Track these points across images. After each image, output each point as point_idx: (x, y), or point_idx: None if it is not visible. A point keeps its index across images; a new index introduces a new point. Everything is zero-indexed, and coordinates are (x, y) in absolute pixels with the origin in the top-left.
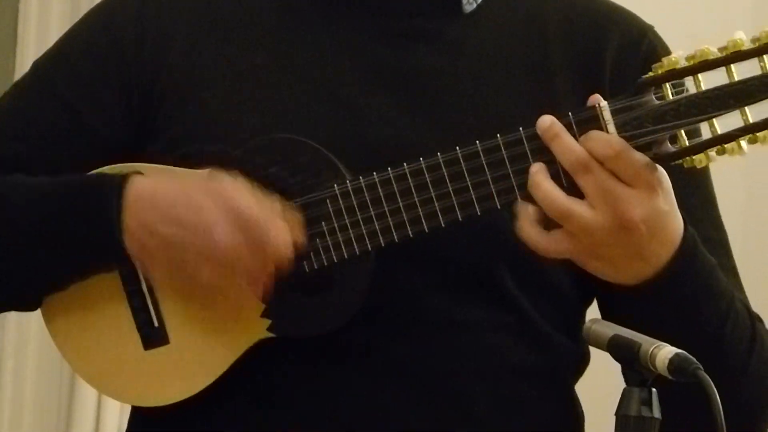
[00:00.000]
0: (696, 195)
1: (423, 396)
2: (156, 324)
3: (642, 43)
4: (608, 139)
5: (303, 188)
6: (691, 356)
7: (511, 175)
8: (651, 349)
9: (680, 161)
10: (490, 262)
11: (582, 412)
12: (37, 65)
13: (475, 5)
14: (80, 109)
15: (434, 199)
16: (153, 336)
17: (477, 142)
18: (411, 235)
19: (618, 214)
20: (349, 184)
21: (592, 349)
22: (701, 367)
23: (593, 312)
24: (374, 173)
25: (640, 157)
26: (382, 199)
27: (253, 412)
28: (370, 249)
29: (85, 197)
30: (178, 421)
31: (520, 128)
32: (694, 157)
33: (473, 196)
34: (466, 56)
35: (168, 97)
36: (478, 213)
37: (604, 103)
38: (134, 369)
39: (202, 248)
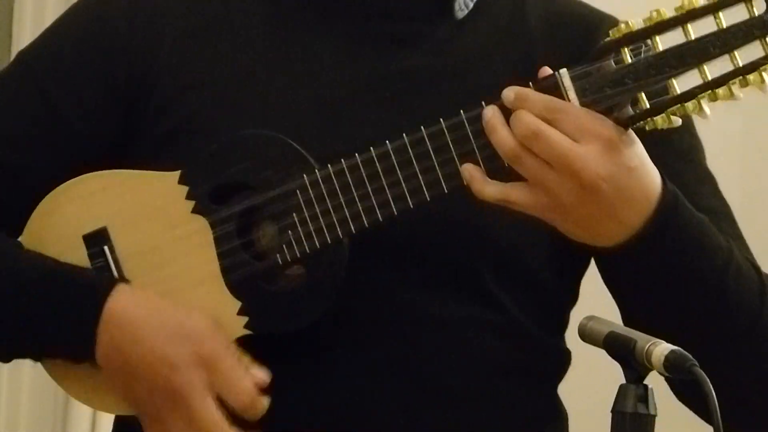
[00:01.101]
0: (689, 171)
1: (404, 394)
2: None
3: None
4: (543, 98)
5: (273, 182)
6: (686, 353)
7: (476, 149)
8: (647, 346)
9: (642, 123)
10: (471, 260)
11: (565, 411)
12: (22, 56)
13: (466, 11)
14: (59, 104)
15: (401, 181)
16: None
17: (460, 114)
18: (381, 220)
19: (575, 174)
20: (318, 173)
21: (589, 347)
22: (697, 363)
23: (587, 310)
24: (342, 160)
25: (585, 113)
26: (351, 185)
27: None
28: (341, 236)
29: (64, 305)
30: None
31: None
32: (655, 118)
33: (439, 175)
34: (455, 60)
35: (155, 95)
36: (446, 191)
37: (563, 70)
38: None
39: (167, 384)
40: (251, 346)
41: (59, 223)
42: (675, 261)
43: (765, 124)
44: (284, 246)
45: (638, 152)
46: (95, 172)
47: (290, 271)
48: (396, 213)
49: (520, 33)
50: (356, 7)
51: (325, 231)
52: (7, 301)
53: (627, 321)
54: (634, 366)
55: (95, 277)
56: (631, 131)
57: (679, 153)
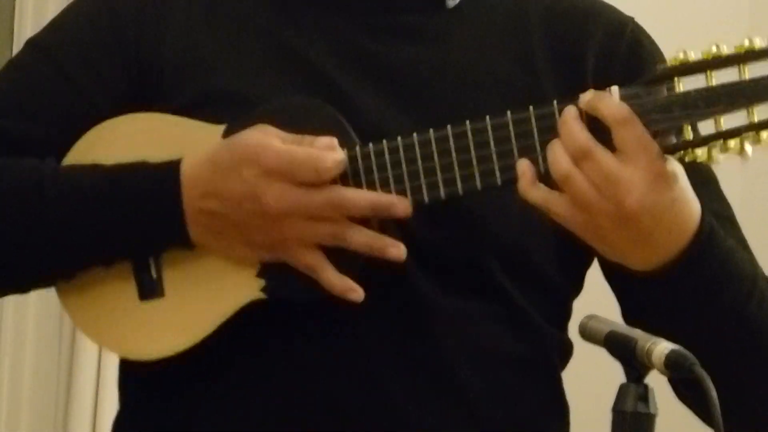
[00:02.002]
0: (692, 173)
1: (411, 384)
2: (154, 276)
3: (624, 33)
4: (619, 103)
5: None
6: (687, 352)
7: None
8: (647, 345)
9: (682, 153)
10: (478, 253)
11: (567, 404)
12: (33, 40)
13: (457, 0)
14: (77, 78)
15: (437, 170)
16: (149, 287)
17: (488, 117)
18: (426, 201)
19: (619, 202)
20: (358, 149)
21: (589, 346)
22: (697, 362)
23: (589, 308)
24: (383, 140)
25: (646, 134)
26: (388, 167)
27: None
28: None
29: (139, 203)
30: (166, 409)
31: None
32: (696, 150)
33: (475, 169)
34: (450, 50)
35: (167, 73)
36: (479, 188)
37: (614, 88)
38: (127, 319)
39: (261, 214)
40: (263, 331)
41: (101, 159)
42: (701, 290)
43: None
44: None
45: (682, 184)
46: (139, 113)
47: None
48: (427, 201)
49: (519, 22)
50: (345, 2)
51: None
52: (90, 212)
53: (628, 320)
54: (635, 365)
55: (157, 166)
56: (677, 163)
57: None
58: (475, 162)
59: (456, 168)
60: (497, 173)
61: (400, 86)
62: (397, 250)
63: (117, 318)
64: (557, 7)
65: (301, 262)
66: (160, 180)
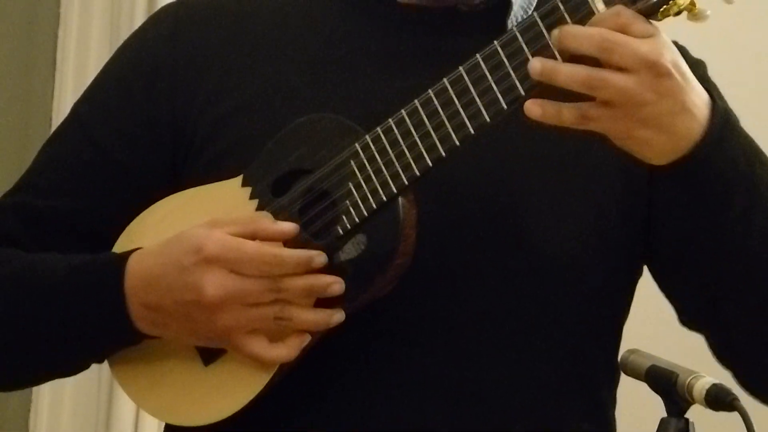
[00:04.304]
0: None
1: (449, 407)
2: None
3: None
4: (614, 13)
5: (328, 158)
6: (727, 387)
7: (512, 72)
8: (688, 380)
9: (666, 7)
10: (527, 273)
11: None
12: (74, 107)
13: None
14: (106, 144)
15: (445, 121)
16: (210, 351)
17: (477, 54)
18: (431, 164)
19: (653, 65)
20: (367, 137)
21: (628, 379)
22: (737, 398)
23: (629, 343)
24: (389, 118)
25: (635, 16)
26: (399, 139)
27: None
28: (395, 191)
29: (87, 298)
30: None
31: (513, 27)
32: (679, 1)
33: (480, 104)
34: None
35: (202, 122)
36: (488, 120)
37: None
38: (197, 386)
39: (200, 305)
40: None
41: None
42: (742, 167)
43: None
44: (343, 216)
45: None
46: (159, 201)
47: (351, 245)
48: (444, 155)
49: None
50: (406, 25)
51: (380, 189)
52: (41, 314)
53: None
54: (676, 399)
55: (104, 261)
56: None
57: None
58: (477, 98)
59: (462, 111)
60: (500, 98)
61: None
62: (339, 315)
63: (185, 389)
64: None
65: (244, 350)
66: (105, 277)
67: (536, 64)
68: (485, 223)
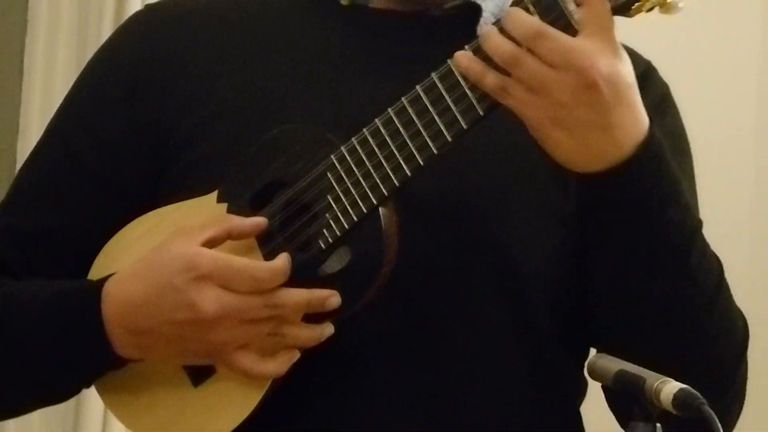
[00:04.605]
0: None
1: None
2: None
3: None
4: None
5: (305, 171)
6: (695, 392)
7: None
8: (656, 384)
9: (638, 4)
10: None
11: None
12: (52, 124)
13: None
14: (92, 161)
15: (421, 130)
16: (199, 371)
17: (448, 61)
18: (409, 174)
19: (579, 70)
20: (343, 148)
21: (598, 384)
22: (705, 402)
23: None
24: (363, 129)
25: (599, 7)
26: (375, 149)
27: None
28: (375, 203)
29: (66, 330)
30: None
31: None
32: None
33: (455, 112)
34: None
35: (181, 128)
36: (464, 128)
37: None
38: (187, 408)
39: (196, 322)
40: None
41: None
42: (656, 199)
43: None
44: (324, 230)
45: (633, 75)
46: (136, 219)
47: (335, 257)
48: (422, 163)
49: None
50: (377, 30)
51: (360, 202)
52: (23, 348)
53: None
54: (643, 404)
55: (79, 292)
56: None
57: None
58: (452, 104)
59: (437, 119)
60: (477, 105)
61: None
62: (329, 330)
63: (178, 412)
64: None
65: (235, 366)
66: (82, 308)
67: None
68: (461, 233)
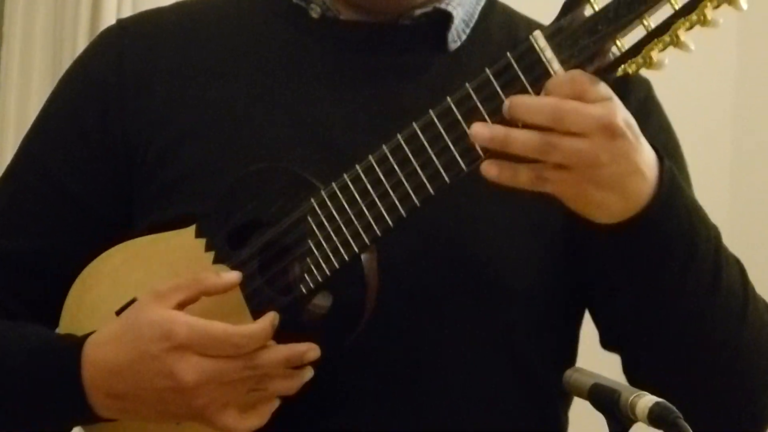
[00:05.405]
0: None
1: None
2: None
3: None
4: (569, 79)
5: (284, 212)
6: (671, 405)
7: (468, 131)
8: (631, 398)
9: (624, 67)
10: (490, 306)
11: None
12: (25, 145)
13: (459, 43)
14: (68, 182)
15: (404, 181)
16: None
17: (430, 111)
18: (391, 225)
19: (607, 127)
20: (323, 193)
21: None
22: (681, 416)
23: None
24: (344, 174)
25: (581, 75)
26: (357, 197)
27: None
28: (357, 251)
29: (46, 391)
30: None
31: (466, 84)
32: (637, 59)
33: (438, 165)
34: (451, 91)
35: (153, 147)
36: (447, 181)
37: (536, 32)
38: None
39: (176, 390)
40: None
41: (92, 306)
42: (686, 215)
43: (757, 114)
44: (305, 275)
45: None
46: (114, 248)
47: (317, 300)
48: (405, 215)
49: None
50: (348, 42)
51: (341, 249)
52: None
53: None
54: (619, 418)
55: (59, 351)
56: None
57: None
58: (435, 157)
59: (420, 171)
60: (459, 159)
61: (397, 127)
62: (309, 373)
63: None
64: None
65: (218, 425)
66: (62, 370)
67: (484, 132)
68: (442, 251)
